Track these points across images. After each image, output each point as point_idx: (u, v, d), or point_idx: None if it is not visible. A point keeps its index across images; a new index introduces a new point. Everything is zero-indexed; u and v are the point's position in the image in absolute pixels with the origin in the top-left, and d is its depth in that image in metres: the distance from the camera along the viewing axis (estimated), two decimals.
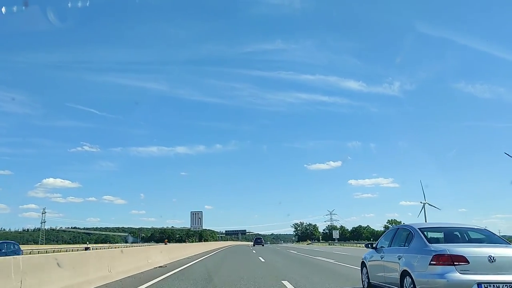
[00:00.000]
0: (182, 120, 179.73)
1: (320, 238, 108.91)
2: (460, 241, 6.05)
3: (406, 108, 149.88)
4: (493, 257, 5.05)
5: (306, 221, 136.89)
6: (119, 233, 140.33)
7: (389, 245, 6.90)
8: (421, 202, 61.37)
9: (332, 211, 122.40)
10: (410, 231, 6.32)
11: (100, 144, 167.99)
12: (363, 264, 8.09)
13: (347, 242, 61.90)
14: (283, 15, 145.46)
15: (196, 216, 42.06)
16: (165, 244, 32.62)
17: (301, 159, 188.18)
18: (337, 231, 66.58)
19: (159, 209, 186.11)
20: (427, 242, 5.75)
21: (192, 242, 49.24)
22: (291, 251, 31.79)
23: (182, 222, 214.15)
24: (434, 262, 5.20)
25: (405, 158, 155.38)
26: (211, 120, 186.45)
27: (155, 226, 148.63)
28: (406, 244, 6.27)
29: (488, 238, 6.03)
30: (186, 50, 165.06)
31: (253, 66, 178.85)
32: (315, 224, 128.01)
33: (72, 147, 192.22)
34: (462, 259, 5.07)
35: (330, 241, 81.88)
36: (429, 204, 69.04)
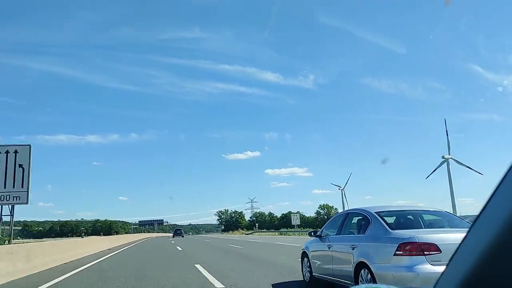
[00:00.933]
0: (94, 107, 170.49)
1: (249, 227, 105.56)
2: (423, 226, 5.30)
3: (320, 101, 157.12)
4: None
5: (231, 208, 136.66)
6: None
7: (339, 233, 6.03)
8: (339, 189, 64.68)
9: (253, 199, 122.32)
10: (366, 216, 5.41)
11: (0, 131, 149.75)
12: (304, 255, 7.20)
13: (289, 230, 60.28)
14: (202, 2, 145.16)
15: None
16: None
17: (219, 149, 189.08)
18: (297, 215, 61.71)
19: (68, 202, 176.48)
20: (388, 229, 4.87)
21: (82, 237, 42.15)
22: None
23: (94, 214, 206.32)
24: (400, 252, 4.39)
25: (318, 149, 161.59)
26: (126, 108, 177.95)
27: (62, 219, 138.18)
28: (361, 231, 5.37)
29: (452, 221, 5.35)
30: (99, 34, 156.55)
31: (171, 54, 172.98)
32: (241, 212, 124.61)
33: None
34: (433, 247, 4.30)
35: (259, 230, 79.11)
36: (342, 191, 72.29)
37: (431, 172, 44.21)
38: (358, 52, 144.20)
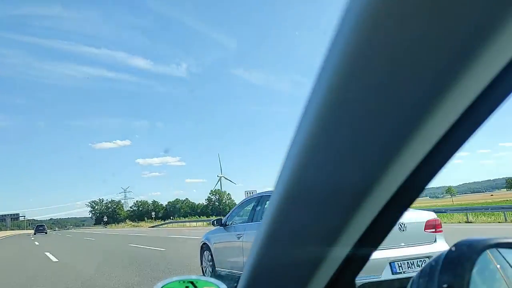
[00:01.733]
0: None
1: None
2: None
3: (193, 90, 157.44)
4: (404, 224, 3.96)
5: (107, 197, 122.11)
6: None
7: (251, 220, 5.32)
8: (218, 176, 63.00)
9: (127, 188, 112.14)
10: None
11: None
12: (204, 247, 6.37)
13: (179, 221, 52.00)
14: None
15: None
16: None
17: (86, 138, 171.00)
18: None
19: None
20: None
21: None
22: None
23: None
24: None
25: (190, 138, 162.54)
26: None
27: None
28: None
29: None
30: None
31: (27, 32, 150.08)
32: (119, 201, 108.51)
33: None
34: None
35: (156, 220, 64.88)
36: (225, 178, 70.80)
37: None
38: (230, 43, 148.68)
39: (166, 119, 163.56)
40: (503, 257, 0.63)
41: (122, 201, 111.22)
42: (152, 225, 54.61)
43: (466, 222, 17.64)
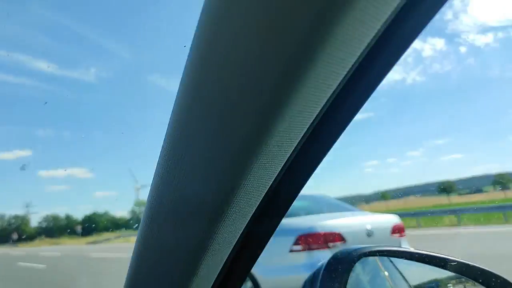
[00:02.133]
0: None
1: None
2: (316, 211, 4.27)
3: (102, 96, 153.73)
4: (371, 230, 3.74)
5: (7, 212, 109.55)
6: None
7: None
8: (135, 187, 62.20)
9: (30, 202, 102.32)
10: None
11: None
12: None
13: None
14: None
15: None
16: None
17: None
18: None
19: None
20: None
21: None
22: None
23: None
24: (300, 247, 3.45)
25: (99, 147, 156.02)
26: None
27: None
28: None
29: (336, 205, 4.41)
30: None
31: None
32: (25, 216, 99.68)
33: None
34: (338, 237, 3.52)
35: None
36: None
37: None
38: (143, 49, 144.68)
39: (74, 127, 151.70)
40: (394, 265, 0.68)
41: (28, 216, 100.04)
42: (91, 241, 45.99)
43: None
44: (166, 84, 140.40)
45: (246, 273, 0.50)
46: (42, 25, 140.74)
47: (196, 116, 0.34)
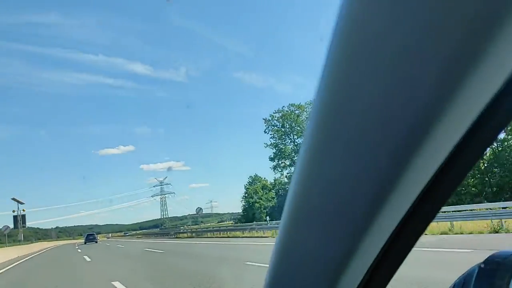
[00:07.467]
0: None
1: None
2: None
3: (192, 94, 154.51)
4: None
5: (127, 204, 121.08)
6: None
7: None
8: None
9: (165, 179, 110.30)
10: None
11: None
12: None
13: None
14: None
15: None
16: None
17: (89, 145, 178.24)
18: None
19: None
20: None
21: None
22: None
23: None
24: None
25: (193, 142, 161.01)
26: None
27: None
28: None
29: None
30: None
31: (24, 41, 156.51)
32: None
33: None
34: None
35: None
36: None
37: None
38: (229, 46, 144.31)
39: (168, 124, 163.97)
40: None
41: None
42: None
43: None
44: (249, 79, 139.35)
45: (390, 276, 0.48)
46: (135, 29, 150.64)
47: (346, 115, 0.33)
